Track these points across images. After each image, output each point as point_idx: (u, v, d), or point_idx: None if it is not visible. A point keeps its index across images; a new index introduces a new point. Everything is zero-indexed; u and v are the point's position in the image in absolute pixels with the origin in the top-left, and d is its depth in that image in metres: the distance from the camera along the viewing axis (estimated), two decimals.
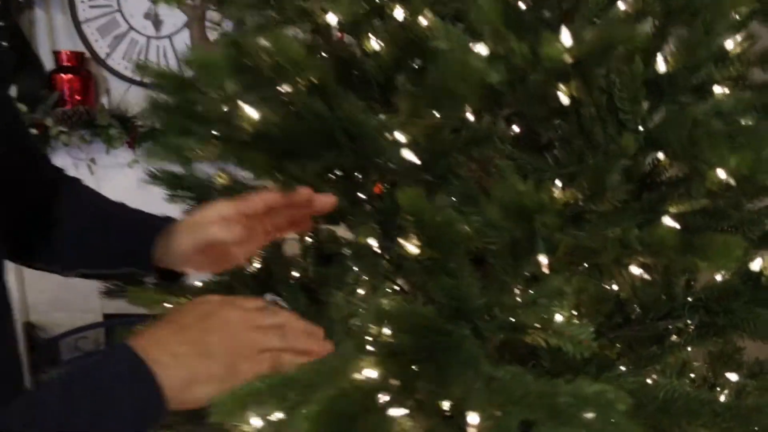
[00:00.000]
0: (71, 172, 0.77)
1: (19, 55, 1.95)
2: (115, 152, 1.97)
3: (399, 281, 0.89)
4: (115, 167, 1.98)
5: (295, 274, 0.92)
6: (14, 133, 0.66)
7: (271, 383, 0.47)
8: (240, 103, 0.56)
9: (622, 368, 0.74)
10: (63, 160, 1.98)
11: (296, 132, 0.58)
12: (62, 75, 2.01)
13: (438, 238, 0.52)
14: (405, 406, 0.48)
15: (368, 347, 0.52)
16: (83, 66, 2.06)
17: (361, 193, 0.78)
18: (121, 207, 0.75)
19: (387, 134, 0.59)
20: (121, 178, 1.91)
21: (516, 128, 0.81)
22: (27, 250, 0.71)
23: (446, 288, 0.55)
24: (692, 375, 0.77)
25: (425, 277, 0.57)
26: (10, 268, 0.64)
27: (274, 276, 0.96)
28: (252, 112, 0.56)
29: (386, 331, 0.54)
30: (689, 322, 0.69)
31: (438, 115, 0.59)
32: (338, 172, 0.77)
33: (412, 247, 0.56)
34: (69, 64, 2.02)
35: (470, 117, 0.73)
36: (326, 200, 0.67)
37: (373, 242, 0.73)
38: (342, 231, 0.87)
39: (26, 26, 2.05)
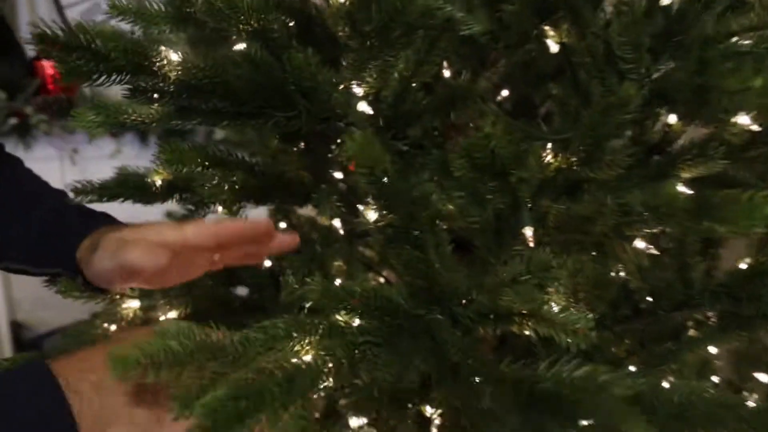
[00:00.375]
0: (53, 162, 0.71)
1: None
2: (97, 142, 1.89)
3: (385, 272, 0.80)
4: (99, 158, 1.90)
5: (267, 263, 0.83)
6: None
7: (186, 345, 0.36)
8: (163, 48, 0.47)
9: (632, 368, 0.64)
10: (44, 150, 1.90)
11: (244, 86, 0.49)
12: (44, 62, 1.93)
13: (396, 198, 0.42)
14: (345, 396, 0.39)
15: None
16: None
17: (330, 168, 0.69)
18: (57, 199, 0.67)
19: (341, 88, 0.49)
20: (105, 169, 1.83)
21: (505, 92, 0.72)
22: None
23: (410, 262, 0.45)
24: (714, 376, 0.67)
25: (387, 250, 0.48)
26: None
27: (239, 268, 0.88)
28: (175, 57, 0.47)
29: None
30: (709, 312, 0.59)
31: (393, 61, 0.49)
32: (301, 145, 0.68)
33: (371, 213, 0.46)
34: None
35: (446, 74, 0.63)
36: (287, 240, 0.59)
37: (336, 223, 0.63)
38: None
39: (8, 12, 1.97)
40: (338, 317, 0.42)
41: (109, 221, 0.63)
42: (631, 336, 0.65)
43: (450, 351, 0.41)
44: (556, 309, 0.48)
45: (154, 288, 0.63)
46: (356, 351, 0.39)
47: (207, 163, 0.53)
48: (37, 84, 1.91)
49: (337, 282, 0.70)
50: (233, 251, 0.59)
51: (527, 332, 0.49)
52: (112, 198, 0.62)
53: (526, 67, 0.68)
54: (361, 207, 0.48)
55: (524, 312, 0.49)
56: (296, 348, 0.38)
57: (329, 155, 0.66)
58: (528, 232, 0.49)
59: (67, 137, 1.89)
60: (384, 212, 0.45)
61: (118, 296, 0.65)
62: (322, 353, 0.38)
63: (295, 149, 0.65)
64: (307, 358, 0.38)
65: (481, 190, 0.51)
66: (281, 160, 0.64)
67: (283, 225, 0.87)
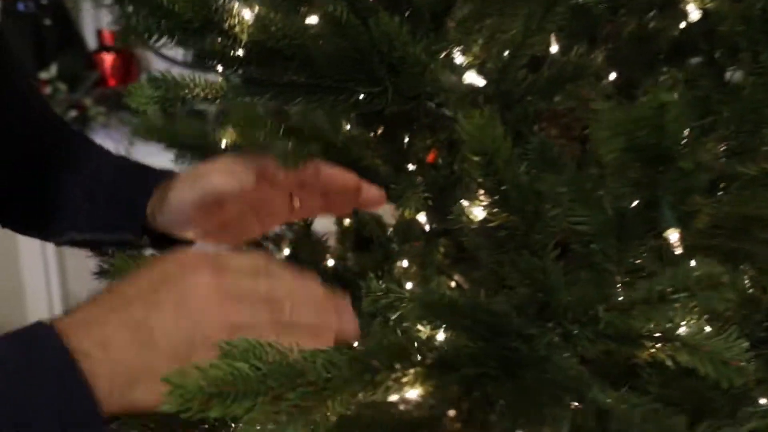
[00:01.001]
0: None
1: (61, 33, 1.88)
2: None
3: (456, 277, 0.72)
4: (153, 153, 1.88)
5: (329, 262, 0.75)
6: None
7: (259, 369, 0.29)
8: (237, 3, 0.39)
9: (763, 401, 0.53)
10: (102, 141, 1.89)
11: (325, 54, 0.41)
12: (104, 54, 1.93)
13: (518, 194, 0.34)
14: None
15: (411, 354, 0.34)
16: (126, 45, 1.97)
17: (410, 160, 0.61)
18: (118, 159, 0.64)
19: (439, 65, 0.41)
20: (159, 163, 1.81)
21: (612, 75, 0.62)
22: (14, 211, 0.61)
23: (529, 271, 0.36)
24: None
25: (495, 256, 0.39)
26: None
27: (302, 263, 0.80)
28: (248, 15, 0.39)
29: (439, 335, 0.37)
30: None
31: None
32: (379, 130, 0.60)
33: (476, 210, 0.38)
34: (111, 43, 1.93)
35: (554, 49, 0.54)
36: (375, 194, 0.54)
37: (422, 219, 0.55)
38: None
39: (70, 4, 1.98)
40: (438, 338, 0.34)
41: (172, 175, 0.57)
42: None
43: (588, 385, 0.32)
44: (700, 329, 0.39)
45: (231, 242, 0.55)
46: (473, 388, 0.30)
47: (281, 131, 0.46)
48: (97, 76, 1.90)
49: (409, 286, 0.62)
50: (315, 198, 0.54)
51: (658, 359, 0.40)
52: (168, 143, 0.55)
53: (642, 44, 0.58)
54: (465, 203, 0.40)
55: (658, 335, 0.40)
56: (398, 379, 0.30)
57: (410, 143, 0.58)
58: (673, 236, 0.39)
59: (124, 129, 1.88)
60: (496, 210, 0.36)
61: None
62: (432, 389, 0.30)
63: (371, 135, 0.57)
64: (412, 394, 0.30)
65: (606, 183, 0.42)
66: (356, 147, 0.56)
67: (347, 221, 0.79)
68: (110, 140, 1.94)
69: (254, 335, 0.30)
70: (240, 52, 0.40)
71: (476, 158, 0.33)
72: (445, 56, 0.42)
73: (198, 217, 0.52)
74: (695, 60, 0.54)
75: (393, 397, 0.30)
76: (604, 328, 0.39)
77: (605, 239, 0.45)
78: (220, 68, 0.53)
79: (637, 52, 0.60)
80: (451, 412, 0.27)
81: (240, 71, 0.45)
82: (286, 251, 0.86)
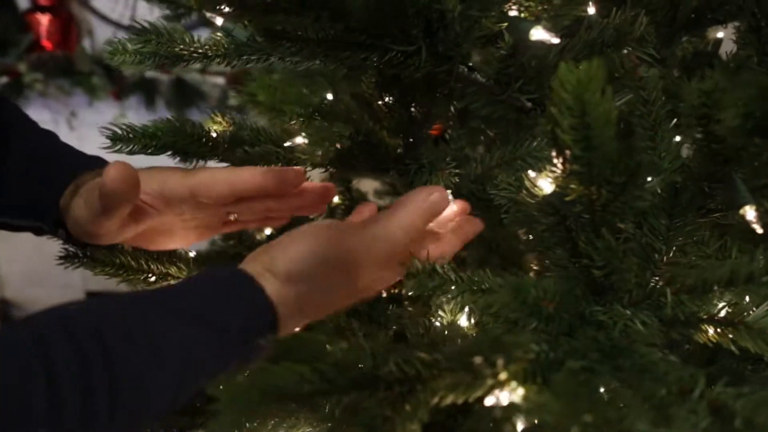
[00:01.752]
0: (49, 127, 0.58)
1: None
2: (99, 105, 1.72)
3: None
4: (99, 124, 1.74)
5: None
6: None
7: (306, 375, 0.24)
8: None
9: None
10: (40, 113, 1.74)
11: (362, 4, 0.35)
12: (38, 15, 1.75)
13: (613, 160, 0.29)
14: None
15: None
16: (63, 6, 1.80)
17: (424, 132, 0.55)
18: (46, 139, 0.57)
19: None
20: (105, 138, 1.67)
21: None
22: None
23: (607, 249, 0.32)
24: None
25: (555, 234, 0.35)
26: None
27: None
28: None
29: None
30: None
31: None
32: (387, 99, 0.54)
33: (543, 183, 0.33)
34: (46, 3, 1.76)
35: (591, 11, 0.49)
36: (323, 191, 0.49)
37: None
38: None
39: None
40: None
41: (102, 164, 0.50)
42: None
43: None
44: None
45: (153, 248, 0.52)
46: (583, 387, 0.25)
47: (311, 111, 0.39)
48: (30, 39, 1.73)
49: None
50: (254, 207, 0.49)
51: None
52: (159, 149, 0.47)
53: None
54: (532, 174, 0.35)
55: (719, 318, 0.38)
56: (499, 378, 0.25)
57: (426, 112, 0.53)
58: (750, 213, 0.36)
59: (64, 99, 1.72)
60: (579, 181, 0.32)
61: (156, 274, 0.52)
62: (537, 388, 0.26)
63: (390, 101, 0.51)
64: (514, 396, 0.25)
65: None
66: (378, 115, 0.50)
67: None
68: (48, 111, 1.79)
69: None
70: None
71: (571, 116, 0.28)
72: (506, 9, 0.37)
73: (102, 225, 0.46)
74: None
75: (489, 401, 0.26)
76: (671, 311, 0.36)
77: (656, 216, 0.41)
78: (219, 21, 0.46)
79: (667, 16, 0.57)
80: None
81: (252, 21, 0.38)
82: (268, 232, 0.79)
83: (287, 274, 0.41)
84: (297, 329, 0.43)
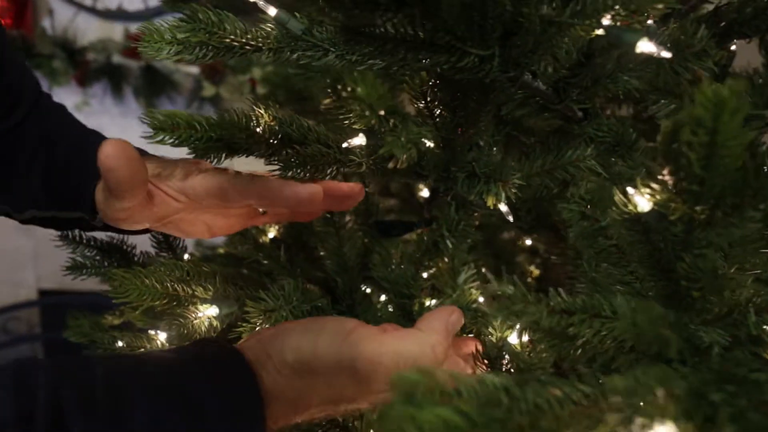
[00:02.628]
0: None
1: None
2: (59, 92, 1.62)
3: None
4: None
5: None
6: None
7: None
8: None
9: None
10: None
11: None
12: None
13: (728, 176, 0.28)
14: None
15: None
16: None
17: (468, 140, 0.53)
18: (82, 134, 0.59)
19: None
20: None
21: None
22: None
23: (708, 270, 0.31)
24: None
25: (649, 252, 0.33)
26: None
27: (300, 248, 0.71)
28: None
29: None
30: None
31: None
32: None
33: (640, 200, 0.31)
34: None
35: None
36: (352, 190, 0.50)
37: (503, 208, 0.48)
38: None
39: None
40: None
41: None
42: None
43: None
44: None
45: (182, 236, 0.55)
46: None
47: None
48: None
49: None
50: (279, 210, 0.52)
51: None
52: (205, 142, 0.42)
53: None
54: (630, 190, 0.34)
55: None
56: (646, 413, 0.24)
57: (473, 119, 0.51)
58: None
59: None
60: (693, 200, 0.30)
61: (186, 302, 0.47)
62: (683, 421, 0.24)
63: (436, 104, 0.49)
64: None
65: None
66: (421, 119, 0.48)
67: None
68: None
69: None
70: None
71: (701, 135, 0.26)
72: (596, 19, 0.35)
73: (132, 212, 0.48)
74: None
75: None
76: (754, 330, 0.36)
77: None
78: (272, 11, 0.43)
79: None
80: None
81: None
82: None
83: (293, 366, 0.39)
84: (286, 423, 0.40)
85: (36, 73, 1.58)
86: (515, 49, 0.40)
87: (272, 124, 0.44)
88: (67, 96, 1.64)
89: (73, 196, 0.54)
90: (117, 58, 1.57)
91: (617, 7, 0.33)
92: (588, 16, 0.34)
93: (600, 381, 0.25)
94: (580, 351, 0.43)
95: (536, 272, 0.95)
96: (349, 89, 0.30)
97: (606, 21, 0.36)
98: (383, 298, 0.63)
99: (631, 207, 0.33)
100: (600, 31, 0.36)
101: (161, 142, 0.40)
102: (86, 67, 1.56)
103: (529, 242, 0.93)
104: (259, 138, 0.44)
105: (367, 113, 0.32)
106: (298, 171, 0.46)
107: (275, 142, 0.43)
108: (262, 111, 0.45)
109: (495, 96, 0.48)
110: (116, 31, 1.74)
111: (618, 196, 0.34)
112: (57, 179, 0.56)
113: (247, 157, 0.45)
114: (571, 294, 0.41)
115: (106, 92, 1.57)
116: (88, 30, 1.72)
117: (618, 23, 0.35)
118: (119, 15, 1.73)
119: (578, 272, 0.53)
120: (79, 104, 1.62)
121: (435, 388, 0.24)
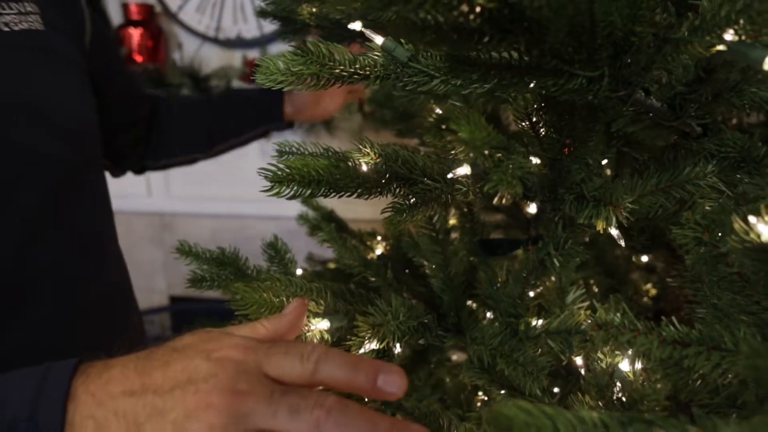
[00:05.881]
0: None
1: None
2: None
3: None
4: None
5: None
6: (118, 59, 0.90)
7: None
8: None
9: None
10: None
11: (553, 21, 0.32)
12: (131, 29, 1.82)
13: None
14: None
15: None
16: (153, 20, 1.86)
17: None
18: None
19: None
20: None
21: None
22: (176, 147, 0.96)
23: None
24: None
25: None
26: None
27: (406, 265, 0.72)
28: None
29: None
30: None
31: None
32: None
33: (765, 228, 0.29)
34: (138, 17, 1.82)
35: None
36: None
37: (614, 232, 0.46)
38: None
39: None
40: None
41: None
42: None
43: None
44: None
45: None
46: None
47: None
48: (125, 53, 1.79)
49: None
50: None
51: None
52: (322, 191, 0.44)
53: None
54: (752, 218, 0.31)
55: None
56: None
57: (582, 138, 0.50)
58: None
59: None
60: None
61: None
62: None
63: (542, 125, 0.48)
64: None
65: None
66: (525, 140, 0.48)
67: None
68: None
69: None
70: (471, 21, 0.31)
71: None
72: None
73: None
74: None
75: None
76: None
77: None
78: (379, 39, 0.44)
79: None
80: None
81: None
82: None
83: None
84: None
85: None
86: (626, 68, 0.39)
87: (378, 161, 0.46)
88: None
89: (266, 116, 0.95)
90: (236, 83, 1.68)
91: (741, 21, 0.31)
92: (707, 32, 0.33)
93: (713, 424, 0.24)
94: (699, 383, 0.41)
95: (653, 291, 0.90)
96: (453, 128, 0.30)
97: (728, 36, 0.34)
98: (490, 315, 0.63)
99: (753, 235, 0.31)
100: (721, 47, 0.34)
101: (278, 195, 0.43)
102: (209, 93, 1.68)
103: (644, 258, 0.88)
104: (369, 179, 0.45)
105: (471, 154, 0.32)
106: (409, 211, 0.47)
107: (383, 181, 0.45)
108: (368, 149, 0.46)
109: (604, 114, 0.47)
110: (235, 58, 1.87)
111: (738, 224, 0.32)
112: (243, 106, 0.97)
113: (357, 197, 0.47)
114: (691, 320, 0.39)
115: None
116: (211, 59, 1.85)
117: (742, 38, 0.33)
118: (238, 43, 1.86)
119: (698, 297, 0.50)
120: None
121: (534, 424, 0.24)
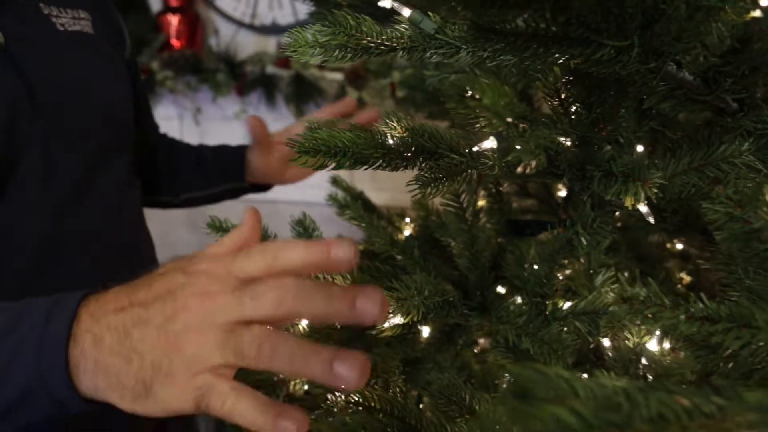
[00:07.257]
0: (173, 122, 0.99)
1: None
2: (221, 102, 1.79)
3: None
4: (221, 119, 1.81)
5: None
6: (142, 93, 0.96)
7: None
8: None
9: None
10: (167, 110, 1.83)
11: None
12: (169, 16, 1.85)
13: None
14: None
15: None
16: (191, 7, 1.89)
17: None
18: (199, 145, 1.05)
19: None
20: (227, 132, 1.73)
21: None
22: (155, 185, 0.98)
23: None
24: None
25: None
26: None
27: (434, 245, 0.72)
28: None
29: None
30: None
31: None
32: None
33: None
34: (176, 4, 1.86)
35: None
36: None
37: (643, 209, 0.46)
38: None
39: None
40: None
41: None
42: None
43: None
44: None
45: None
46: None
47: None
48: (162, 39, 1.83)
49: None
50: None
51: None
52: (352, 164, 0.45)
53: None
54: None
55: None
56: None
57: (610, 113, 0.49)
58: None
59: (191, 95, 1.81)
60: None
61: None
62: None
63: (571, 100, 0.48)
64: None
65: None
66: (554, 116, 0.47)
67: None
68: (175, 107, 1.88)
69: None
70: None
71: None
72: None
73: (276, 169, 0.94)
74: None
75: None
76: None
77: None
78: (406, 12, 0.45)
79: None
80: None
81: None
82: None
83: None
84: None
85: (202, 86, 1.74)
86: (656, 38, 0.38)
87: (405, 135, 0.46)
88: (228, 105, 1.81)
89: (229, 168, 0.95)
90: (270, 69, 1.70)
91: None
92: None
93: (738, 394, 0.23)
94: (732, 364, 0.40)
95: (687, 279, 0.88)
96: (476, 97, 0.30)
97: (764, 1, 0.33)
98: (517, 299, 0.62)
99: None
100: (757, 13, 0.33)
101: (305, 164, 0.44)
102: (244, 78, 1.71)
103: (679, 246, 0.86)
104: (394, 151, 0.45)
105: (494, 121, 0.32)
106: (435, 184, 0.47)
107: (409, 154, 0.45)
108: (395, 123, 0.47)
109: (635, 90, 0.46)
110: (270, 45, 1.89)
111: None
112: (212, 164, 0.97)
113: (383, 169, 0.47)
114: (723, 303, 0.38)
115: (260, 100, 1.71)
116: (247, 45, 1.88)
117: None
118: (273, 29, 1.88)
119: (732, 279, 0.49)
120: (238, 112, 1.78)
121: (551, 387, 0.24)
